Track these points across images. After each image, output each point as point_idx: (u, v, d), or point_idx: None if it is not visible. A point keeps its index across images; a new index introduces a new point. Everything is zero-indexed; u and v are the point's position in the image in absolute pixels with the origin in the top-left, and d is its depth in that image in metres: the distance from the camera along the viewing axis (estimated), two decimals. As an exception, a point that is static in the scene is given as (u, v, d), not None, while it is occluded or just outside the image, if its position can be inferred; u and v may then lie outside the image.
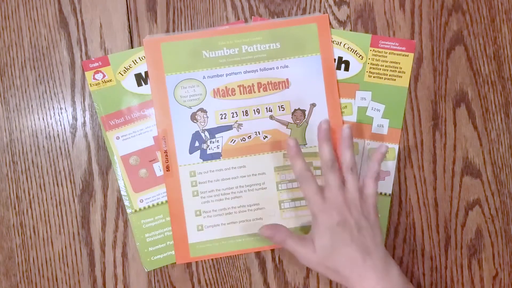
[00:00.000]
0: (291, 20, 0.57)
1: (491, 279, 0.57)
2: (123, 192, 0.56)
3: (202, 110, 0.56)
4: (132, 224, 0.56)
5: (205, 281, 0.56)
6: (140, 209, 0.56)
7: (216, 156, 0.56)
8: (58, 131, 0.56)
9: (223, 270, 0.57)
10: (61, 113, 0.56)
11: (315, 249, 0.48)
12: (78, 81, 0.56)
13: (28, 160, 0.56)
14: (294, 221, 0.56)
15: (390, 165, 0.57)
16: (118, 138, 0.56)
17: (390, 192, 0.57)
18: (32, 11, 0.56)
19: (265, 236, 0.51)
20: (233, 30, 0.56)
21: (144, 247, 0.56)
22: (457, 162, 0.58)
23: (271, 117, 0.56)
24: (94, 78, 0.56)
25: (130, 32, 0.57)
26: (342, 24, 0.58)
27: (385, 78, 0.57)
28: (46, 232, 0.56)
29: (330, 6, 0.57)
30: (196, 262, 0.56)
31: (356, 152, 0.57)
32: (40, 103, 0.56)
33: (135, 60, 0.56)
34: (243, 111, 0.56)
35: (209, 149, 0.56)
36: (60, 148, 0.56)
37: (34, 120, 0.56)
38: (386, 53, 0.57)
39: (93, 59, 0.56)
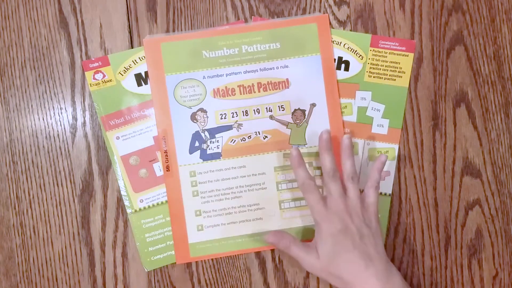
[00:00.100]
0: (291, 20, 0.57)
1: (491, 279, 0.57)
2: (123, 192, 0.56)
3: (202, 110, 0.56)
4: (132, 224, 0.56)
5: (205, 281, 0.56)
6: (140, 209, 0.56)
7: (216, 156, 0.56)
8: (58, 131, 0.56)
9: (223, 270, 0.57)
10: (61, 113, 0.56)
11: (319, 255, 0.50)
12: (78, 81, 0.56)
13: (28, 160, 0.56)
14: (294, 221, 0.56)
15: (390, 165, 0.57)
16: (118, 138, 0.56)
17: (390, 192, 0.57)
18: (32, 11, 0.56)
19: (270, 242, 0.52)
20: (233, 30, 0.56)
21: (144, 247, 0.56)
22: (457, 162, 0.58)
23: (271, 117, 0.56)
24: (94, 78, 0.56)
25: (130, 32, 0.57)
26: (342, 24, 0.58)
27: (385, 78, 0.57)
28: (46, 232, 0.56)
29: (330, 6, 0.57)
30: (196, 262, 0.56)
31: (356, 152, 0.57)
32: (40, 103, 0.56)
33: (135, 60, 0.56)
34: (243, 111, 0.56)
35: (209, 149, 0.56)
36: (60, 148, 0.56)
37: (34, 120, 0.56)
38: (386, 53, 0.57)
39: (93, 59, 0.56)
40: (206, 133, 0.56)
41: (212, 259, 0.56)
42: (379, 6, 0.58)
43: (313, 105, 0.56)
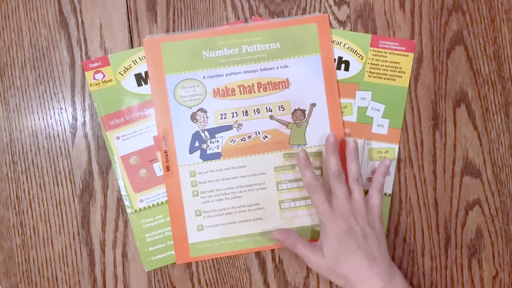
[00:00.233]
0: (291, 20, 0.57)
1: (491, 279, 0.57)
2: (123, 192, 0.56)
3: (202, 110, 0.56)
4: (132, 224, 0.56)
5: (205, 281, 0.56)
6: (140, 209, 0.56)
7: (216, 156, 0.56)
8: (58, 131, 0.56)
9: (223, 270, 0.57)
10: (61, 113, 0.56)
11: (323, 255, 0.51)
12: (78, 81, 0.56)
13: (28, 160, 0.56)
14: (294, 221, 0.56)
15: (390, 165, 0.57)
16: (118, 138, 0.56)
17: (390, 192, 0.57)
18: (32, 11, 0.56)
19: (276, 239, 0.53)
20: (233, 30, 0.56)
21: (144, 247, 0.56)
22: (457, 162, 0.58)
23: (271, 117, 0.56)
24: (94, 78, 0.56)
25: (130, 32, 0.57)
26: (342, 24, 0.58)
27: (385, 78, 0.57)
28: (46, 232, 0.56)
29: (330, 6, 0.57)
30: (196, 262, 0.56)
31: (357, 146, 0.57)
32: (40, 103, 0.56)
33: (135, 60, 0.56)
34: (243, 111, 0.56)
35: (209, 149, 0.56)
36: (60, 148, 0.56)
37: (34, 120, 0.56)
38: (386, 53, 0.57)
39: (93, 59, 0.56)
40: (206, 133, 0.56)
41: (212, 259, 0.56)
42: (379, 6, 0.58)
43: (313, 105, 0.56)
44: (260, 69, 0.56)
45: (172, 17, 0.57)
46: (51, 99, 0.56)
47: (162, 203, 0.56)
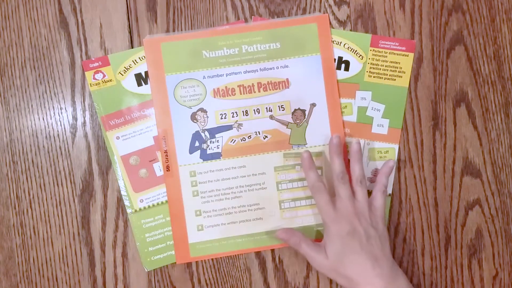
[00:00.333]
0: (291, 20, 0.57)
1: (491, 279, 0.57)
2: (123, 192, 0.56)
3: (202, 110, 0.56)
4: (132, 224, 0.56)
5: (205, 281, 0.56)
6: (140, 209, 0.56)
7: (216, 156, 0.56)
8: (58, 131, 0.56)
9: (223, 270, 0.57)
10: (61, 113, 0.56)
11: (327, 255, 0.51)
12: (78, 81, 0.56)
13: (28, 160, 0.56)
14: (294, 221, 0.56)
15: (390, 165, 0.57)
16: (118, 138, 0.56)
17: (390, 192, 0.57)
18: (32, 11, 0.56)
19: (281, 238, 0.54)
20: (233, 30, 0.56)
21: (144, 247, 0.56)
22: (457, 162, 0.58)
23: (271, 117, 0.56)
24: (94, 78, 0.56)
25: (130, 32, 0.57)
26: (342, 24, 0.58)
27: (385, 78, 0.57)
28: (46, 232, 0.56)
29: (330, 6, 0.57)
30: (196, 262, 0.56)
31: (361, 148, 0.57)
32: (40, 103, 0.56)
33: (135, 60, 0.56)
34: (243, 111, 0.56)
35: (209, 149, 0.56)
36: (60, 148, 0.56)
37: (34, 120, 0.56)
38: (386, 53, 0.57)
39: (93, 59, 0.56)
40: (206, 133, 0.56)
41: (212, 259, 0.56)
42: (379, 6, 0.58)
43: (313, 105, 0.56)
44: (260, 69, 0.56)
45: (172, 17, 0.57)
46: (51, 99, 0.56)
47: (162, 203, 0.56)
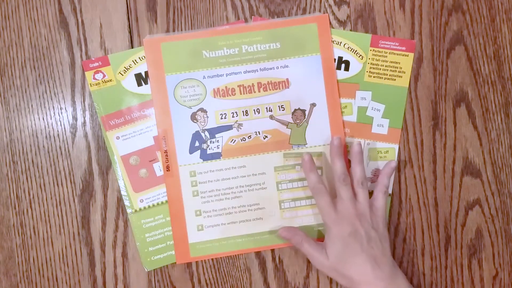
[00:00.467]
0: (291, 20, 0.57)
1: (491, 279, 0.57)
2: (123, 192, 0.56)
3: (202, 110, 0.56)
4: (132, 224, 0.56)
5: (205, 281, 0.56)
6: (140, 209, 0.56)
7: (216, 156, 0.56)
8: (58, 131, 0.56)
9: (223, 270, 0.57)
10: (61, 113, 0.56)
11: (328, 256, 0.51)
12: (78, 81, 0.56)
13: (28, 160, 0.56)
14: (294, 221, 0.56)
15: (390, 165, 0.57)
16: (118, 138, 0.56)
17: (390, 192, 0.57)
18: (32, 11, 0.56)
19: (283, 237, 0.54)
20: (233, 30, 0.56)
21: (144, 247, 0.56)
22: (457, 162, 0.58)
23: (271, 117, 0.56)
24: (94, 78, 0.56)
25: (130, 32, 0.57)
26: (342, 24, 0.58)
27: (385, 78, 0.57)
28: (46, 232, 0.56)
29: (330, 6, 0.57)
30: (196, 262, 0.56)
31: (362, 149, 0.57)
32: (40, 103, 0.56)
33: (135, 60, 0.56)
34: (243, 111, 0.56)
35: (209, 149, 0.56)
36: (60, 148, 0.56)
37: (34, 120, 0.56)
38: (386, 53, 0.57)
39: (93, 59, 0.56)
40: (206, 133, 0.56)
41: (212, 259, 0.56)
42: (379, 6, 0.58)
43: (313, 105, 0.56)
44: (260, 69, 0.56)
45: (172, 17, 0.57)
46: (51, 99, 0.56)
47: (162, 203, 0.56)
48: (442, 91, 0.58)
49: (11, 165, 0.56)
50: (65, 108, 0.56)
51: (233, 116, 0.56)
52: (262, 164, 0.56)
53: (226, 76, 0.56)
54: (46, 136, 0.56)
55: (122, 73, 0.56)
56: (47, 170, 0.56)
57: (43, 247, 0.56)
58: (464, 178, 0.58)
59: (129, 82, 0.56)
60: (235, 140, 0.56)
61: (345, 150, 0.56)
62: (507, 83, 0.58)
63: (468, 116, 0.58)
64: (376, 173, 0.57)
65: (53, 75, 0.56)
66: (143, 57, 0.56)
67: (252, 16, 0.57)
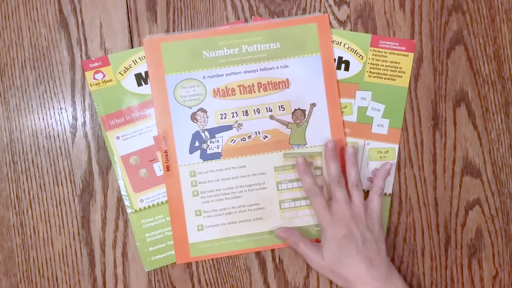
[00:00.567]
0: (291, 20, 0.57)
1: (491, 279, 0.57)
2: (123, 192, 0.56)
3: (202, 110, 0.56)
4: (132, 224, 0.56)
5: (205, 281, 0.56)
6: (140, 209, 0.56)
7: (216, 156, 0.56)
8: (58, 131, 0.56)
9: (223, 270, 0.57)
10: (61, 113, 0.56)
11: (323, 257, 0.52)
12: (78, 81, 0.56)
13: (28, 160, 0.56)
14: (294, 221, 0.56)
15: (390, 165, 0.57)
16: (118, 138, 0.56)
17: (390, 192, 0.57)
18: (32, 11, 0.56)
19: (280, 237, 0.54)
20: (233, 30, 0.56)
21: (144, 247, 0.56)
22: (457, 162, 0.58)
23: (271, 117, 0.56)
24: (94, 78, 0.56)
25: (130, 32, 0.57)
26: (342, 24, 0.58)
27: (385, 78, 0.57)
28: (46, 232, 0.56)
29: (330, 6, 0.57)
30: (196, 262, 0.56)
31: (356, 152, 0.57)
32: (40, 103, 0.56)
33: (135, 60, 0.56)
34: (243, 111, 0.56)
35: (209, 149, 0.56)
36: (60, 148, 0.56)
37: (34, 120, 0.56)
38: (386, 53, 0.57)
39: (93, 59, 0.56)
40: (206, 133, 0.56)
41: (212, 259, 0.56)
42: (379, 6, 0.58)
43: (313, 105, 0.56)
44: (260, 69, 0.56)
45: (172, 17, 0.57)
46: (51, 99, 0.56)
47: (162, 203, 0.56)
48: (442, 91, 0.58)
49: (11, 165, 0.56)
50: (65, 108, 0.56)
51: (233, 116, 0.56)
52: (262, 164, 0.56)
53: (226, 76, 0.56)
54: (46, 136, 0.56)
55: (122, 73, 0.56)
56: (47, 170, 0.56)
57: (43, 247, 0.56)
58: (464, 178, 0.58)
59: (129, 82, 0.56)
60: (235, 140, 0.56)
61: (343, 152, 0.56)
62: (507, 83, 0.58)
63: (468, 116, 0.58)
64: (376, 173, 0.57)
65: (53, 75, 0.56)
66: (143, 57, 0.56)
67: (252, 16, 0.57)
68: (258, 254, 0.57)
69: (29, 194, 0.56)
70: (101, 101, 0.56)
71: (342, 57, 0.57)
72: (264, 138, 0.56)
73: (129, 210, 0.56)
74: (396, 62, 0.57)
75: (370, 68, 0.57)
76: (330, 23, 0.57)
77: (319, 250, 0.52)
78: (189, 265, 0.56)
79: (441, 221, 0.57)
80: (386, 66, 0.57)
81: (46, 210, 0.56)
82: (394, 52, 0.57)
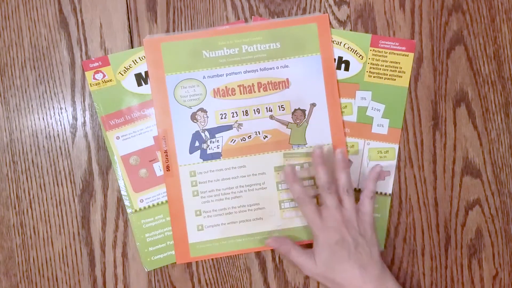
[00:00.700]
0: (291, 20, 0.57)
1: (491, 279, 0.57)
2: (123, 192, 0.56)
3: (202, 110, 0.56)
4: (132, 224, 0.56)
5: (205, 281, 0.56)
6: (140, 209, 0.56)
7: (216, 156, 0.56)
8: (58, 131, 0.56)
9: (223, 270, 0.57)
10: (61, 113, 0.56)
11: (316, 263, 0.51)
12: (78, 81, 0.56)
13: (28, 160, 0.56)
14: (294, 221, 0.56)
15: (390, 165, 0.57)
16: (118, 138, 0.56)
17: (390, 192, 0.57)
18: (32, 11, 0.56)
19: (271, 247, 0.54)
20: (233, 30, 0.56)
21: (144, 247, 0.56)
22: (457, 162, 0.58)
23: (271, 117, 0.56)
24: (94, 78, 0.56)
25: (130, 32, 0.57)
26: (342, 24, 0.58)
27: (385, 78, 0.57)
28: (46, 232, 0.56)
29: (330, 6, 0.57)
30: (196, 262, 0.56)
31: (356, 152, 0.57)
32: (40, 103, 0.56)
33: (135, 60, 0.56)
34: (243, 111, 0.56)
35: (209, 149, 0.56)
36: (60, 148, 0.56)
37: (34, 120, 0.56)
38: (386, 53, 0.57)
39: (93, 59, 0.56)
40: (206, 133, 0.56)
41: (212, 259, 0.56)
42: (379, 6, 0.58)
43: (313, 105, 0.56)
44: (260, 69, 0.56)
45: (172, 17, 0.57)
46: (51, 99, 0.56)
47: (162, 203, 0.56)
48: (442, 91, 0.58)
49: (11, 165, 0.56)
50: (65, 108, 0.56)
51: (233, 116, 0.56)
52: (262, 164, 0.56)
53: (226, 76, 0.56)
54: (46, 136, 0.56)
55: (122, 73, 0.56)
56: (47, 170, 0.56)
57: (43, 247, 0.56)
58: (464, 178, 0.58)
59: (129, 82, 0.56)
60: (235, 140, 0.56)
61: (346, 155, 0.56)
62: (507, 83, 0.58)
63: (468, 116, 0.58)
64: (376, 173, 0.57)
65: (53, 75, 0.56)
66: (143, 57, 0.56)
67: (252, 16, 0.57)
68: (258, 254, 0.57)
69: (29, 194, 0.56)
70: (101, 101, 0.56)
71: (342, 57, 0.57)
72: (264, 138, 0.56)
73: (129, 210, 0.56)
74: (396, 62, 0.57)
75: (370, 68, 0.57)
76: (330, 23, 0.57)
77: (312, 257, 0.52)
78: (189, 265, 0.56)
79: (441, 221, 0.57)
80: (386, 66, 0.57)
81: (46, 210, 0.56)
82: (394, 52, 0.57)
